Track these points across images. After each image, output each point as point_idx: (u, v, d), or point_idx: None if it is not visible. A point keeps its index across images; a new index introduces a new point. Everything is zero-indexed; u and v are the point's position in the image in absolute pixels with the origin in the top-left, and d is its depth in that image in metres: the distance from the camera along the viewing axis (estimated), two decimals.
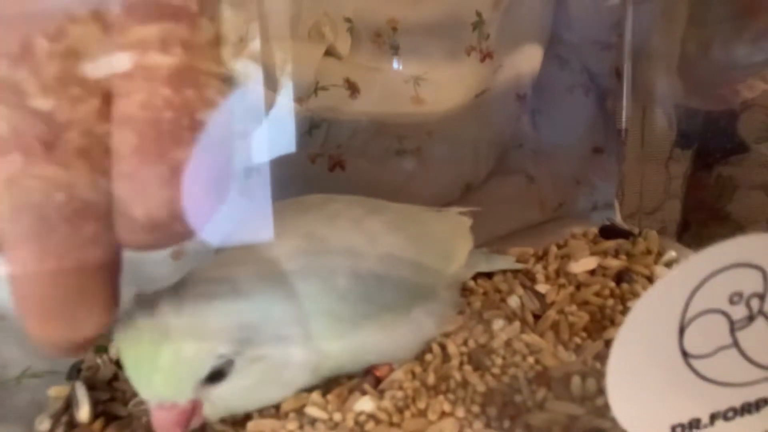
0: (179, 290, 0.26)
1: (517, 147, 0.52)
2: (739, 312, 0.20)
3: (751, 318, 0.20)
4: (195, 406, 0.26)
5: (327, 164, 0.45)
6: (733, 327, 0.21)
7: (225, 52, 0.20)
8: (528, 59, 0.48)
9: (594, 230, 0.39)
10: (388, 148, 0.46)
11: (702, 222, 0.47)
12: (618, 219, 0.45)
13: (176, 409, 0.26)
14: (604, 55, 0.48)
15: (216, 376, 0.26)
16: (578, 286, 0.35)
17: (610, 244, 0.38)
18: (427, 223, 0.36)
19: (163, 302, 0.25)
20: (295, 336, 0.27)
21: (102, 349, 0.34)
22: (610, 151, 0.51)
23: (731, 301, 0.20)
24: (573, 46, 0.51)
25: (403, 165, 0.47)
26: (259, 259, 0.28)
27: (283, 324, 0.27)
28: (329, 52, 0.43)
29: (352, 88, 0.44)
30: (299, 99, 0.43)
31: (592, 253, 0.37)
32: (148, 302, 0.25)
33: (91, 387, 0.32)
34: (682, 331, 0.20)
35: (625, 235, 0.39)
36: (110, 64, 0.19)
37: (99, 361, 0.34)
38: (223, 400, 0.27)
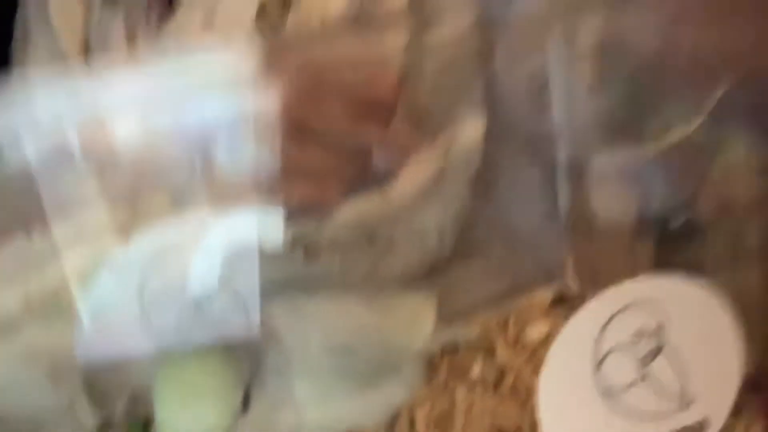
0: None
1: (476, 222, 0.55)
2: (644, 348, 0.23)
3: (655, 353, 0.23)
4: None
5: (302, 255, 0.49)
6: (642, 362, 0.23)
7: None
8: (468, 136, 0.52)
9: (548, 297, 0.43)
10: (359, 238, 0.50)
11: None
12: (573, 288, 0.48)
13: None
14: (543, 119, 0.51)
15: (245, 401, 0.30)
16: (534, 350, 0.38)
17: (560, 310, 0.41)
18: (394, 303, 0.40)
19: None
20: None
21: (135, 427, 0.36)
22: (560, 219, 0.53)
23: (635, 338, 0.23)
24: (513, 122, 0.54)
25: (373, 252, 0.50)
26: None
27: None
28: None
29: None
30: None
31: (545, 319, 0.40)
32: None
33: None
34: (598, 368, 0.23)
35: (575, 301, 0.42)
36: None
37: None
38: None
